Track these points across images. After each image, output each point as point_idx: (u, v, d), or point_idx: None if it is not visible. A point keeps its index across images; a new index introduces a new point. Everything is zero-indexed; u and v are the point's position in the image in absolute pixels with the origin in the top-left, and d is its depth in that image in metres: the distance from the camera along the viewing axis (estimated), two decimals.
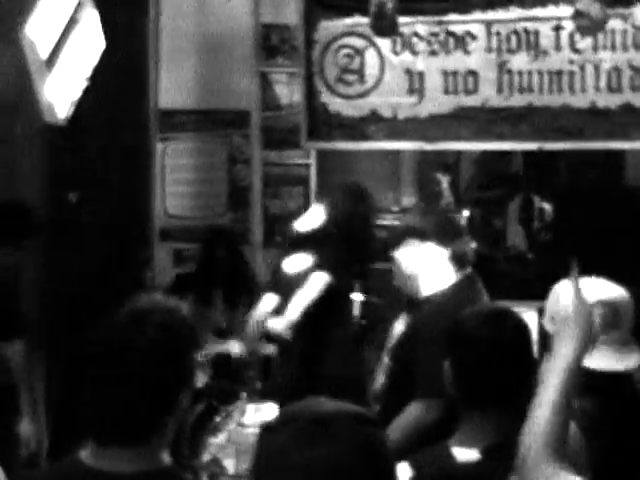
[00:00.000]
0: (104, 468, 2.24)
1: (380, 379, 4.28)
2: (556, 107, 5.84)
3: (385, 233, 5.78)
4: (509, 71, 5.89)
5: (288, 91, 7.23)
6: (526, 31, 5.84)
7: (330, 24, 6.12)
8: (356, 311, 6.51)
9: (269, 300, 5.48)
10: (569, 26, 5.64)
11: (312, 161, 7.34)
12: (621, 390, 2.84)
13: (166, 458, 2.31)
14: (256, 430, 4.01)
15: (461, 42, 5.94)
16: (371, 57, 6.09)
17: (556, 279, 2.98)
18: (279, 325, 5.29)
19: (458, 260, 4.09)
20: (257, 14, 7.24)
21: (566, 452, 2.12)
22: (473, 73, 5.94)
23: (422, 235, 4.10)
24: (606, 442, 2.73)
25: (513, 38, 5.86)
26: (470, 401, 2.62)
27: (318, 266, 5.36)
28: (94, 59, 5.85)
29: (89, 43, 5.77)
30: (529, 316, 3.68)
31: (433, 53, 5.99)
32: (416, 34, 5.99)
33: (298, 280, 5.36)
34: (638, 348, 2.86)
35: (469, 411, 2.62)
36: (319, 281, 5.32)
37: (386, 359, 4.29)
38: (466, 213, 9.30)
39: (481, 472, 2.51)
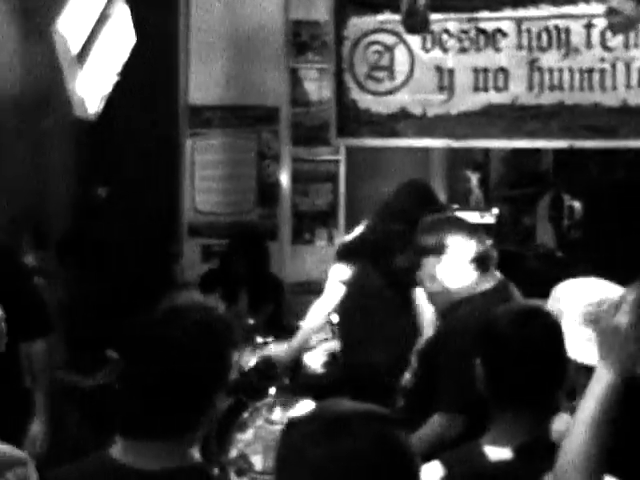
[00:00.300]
0: (135, 465, 2.23)
1: (407, 377, 4.28)
2: (587, 105, 5.82)
3: None
4: (539, 69, 5.87)
5: (318, 87, 7.22)
6: (557, 28, 5.82)
7: (360, 21, 6.12)
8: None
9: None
10: (600, 24, 5.62)
11: (341, 157, 7.33)
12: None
13: (196, 454, 2.30)
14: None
15: (491, 39, 5.92)
16: (401, 54, 6.08)
17: (585, 277, 2.97)
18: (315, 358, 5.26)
19: (481, 262, 3.99)
20: (287, 10, 7.24)
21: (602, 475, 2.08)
22: (503, 70, 5.92)
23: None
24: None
25: (544, 35, 5.84)
26: (502, 400, 2.61)
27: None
28: (125, 54, 5.88)
29: (120, 39, 5.80)
30: None
31: (463, 50, 5.97)
32: (446, 31, 5.97)
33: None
34: None
35: (501, 410, 2.61)
36: (339, 275, 5.26)
37: (414, 360, 4.28)
38: (495, 211, 9.30)
39: (513, 471, 2.50)
